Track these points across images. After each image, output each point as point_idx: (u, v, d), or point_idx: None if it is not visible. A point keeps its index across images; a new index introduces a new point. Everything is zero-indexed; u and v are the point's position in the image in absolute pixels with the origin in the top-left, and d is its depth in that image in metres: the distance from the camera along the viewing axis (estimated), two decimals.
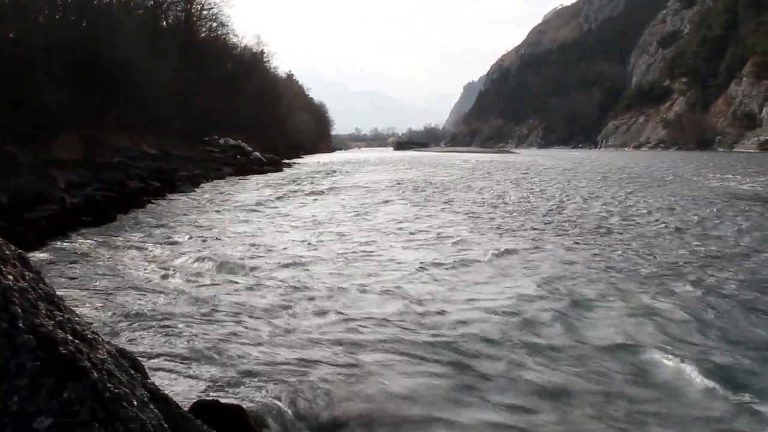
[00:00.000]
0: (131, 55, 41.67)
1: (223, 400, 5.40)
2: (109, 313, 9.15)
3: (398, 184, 40.08)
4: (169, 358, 7.29)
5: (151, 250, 15.00)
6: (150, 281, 11.59)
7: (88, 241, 16.23)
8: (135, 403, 2.76)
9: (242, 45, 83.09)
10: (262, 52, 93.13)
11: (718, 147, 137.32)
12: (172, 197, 28.50)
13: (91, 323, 4.80)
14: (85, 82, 32.52)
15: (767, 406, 6.28)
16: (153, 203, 25.37)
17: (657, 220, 21.05)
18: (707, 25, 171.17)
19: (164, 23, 60.20)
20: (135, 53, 42.61)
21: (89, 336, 2.95)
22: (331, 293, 10.69)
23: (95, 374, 2.69)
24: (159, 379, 6.03)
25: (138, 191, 25.42)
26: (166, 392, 3.58)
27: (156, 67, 46.48)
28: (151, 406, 2.88)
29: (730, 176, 45.73)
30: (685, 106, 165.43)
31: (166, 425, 2.88)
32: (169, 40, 56.32)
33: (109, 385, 2.72)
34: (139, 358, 5.20)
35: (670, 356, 7.73)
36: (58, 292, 3.22)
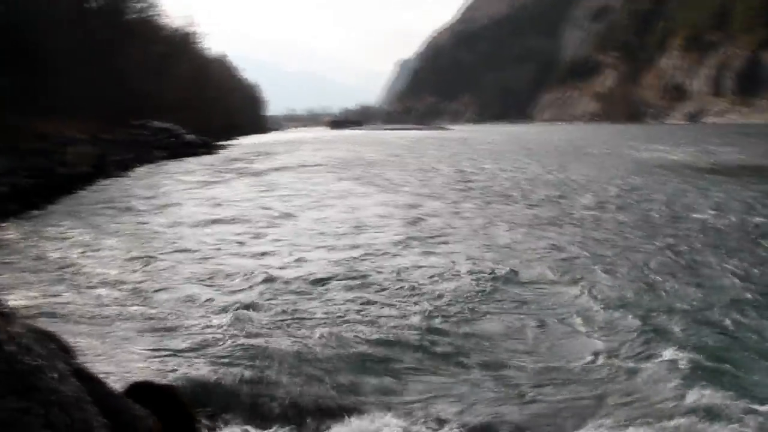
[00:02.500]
0: (57, 37, 40.76)
1: (156, 381, 5.44)
2: (38, 299, 9.08)
3: (336, 163, 39.98)
4: (100, 342, 7.30)
5: (79, 238, 14.85)
6: (78, 268, 11.50)
7: (15, 229, 16.01)
8: (55, 375, 2.78)
9: (173, 26, 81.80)
10: (193, 33, 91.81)
11: (648, 119, 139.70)
12: (102, 183, 28.06)
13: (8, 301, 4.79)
14: (8, 67, 31.78)
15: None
16: (83, 190, 24.96)
17: (587, 190, 21.45)
18: None
19: (92, 4, 58.79)
20: (61, 36, 41.68)
21: (5, 311, 2.96)
22: (258, 276, 10.74)
23: (11, 347, 2.71)
24: (92, 364, 6.04)
25: (67, 178, 24.94)
26: (94, 373, 3.60)
27: (83, 50, 45.55)
28: (73, 380, 2.90)
29: (660, 147, 46.57)
30: (616, 80, 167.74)
31: (90, 398, 2.91)
32: (97, 22, 55.16)
33: (26, 358, 2.74)
34: (70, 343, 5.21)
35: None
36: None
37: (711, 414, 5.53)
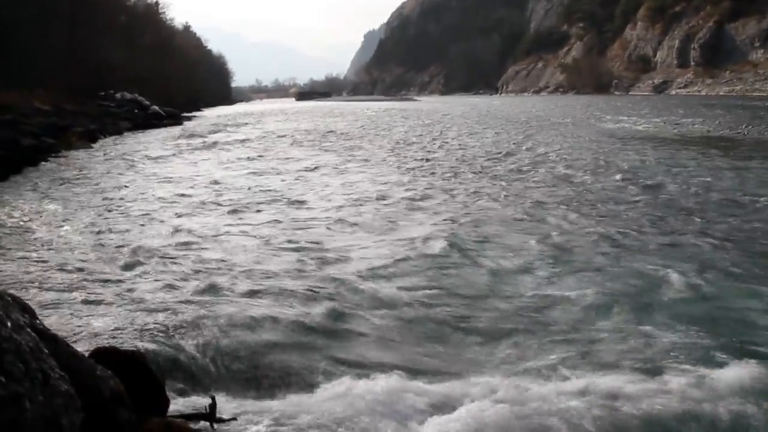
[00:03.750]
0: (19, 7, 40.21)
1: (123, 348, 5.41)
2: (5, 268, 8.99)
3: (303, 136, 39.88)
4: (63, 309, 7.26)
5: (48, 208, 14.71)
6: (41, 237, 11.41)
7: None
8: (9, 324, 2.76)
9: None
10: (156, 4, 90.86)
11: (614, 90, 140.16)
12: (68, 154, 27.75)
13: None
14: None
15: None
16: (48, 161, 24.67)
17: (552, 160, 21.62)
18: None
19: None
20: (22, 6, 41.11)
21: None
22: (226, 246, 10.82)
23: None
24: (55, 329, 6.00)
25: (32, 149, 24.60)
26: (56, 334, 3.57)
27: (46, 20, 44.97)
28: (28, 330, 2.87)
29: (626, 118, 46.84)
30: (582, 51, 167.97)
31: (46, 350, 2.88)
32: None
33: None
34: (39, 312, 5.17)
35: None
36: None
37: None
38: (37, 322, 3.23)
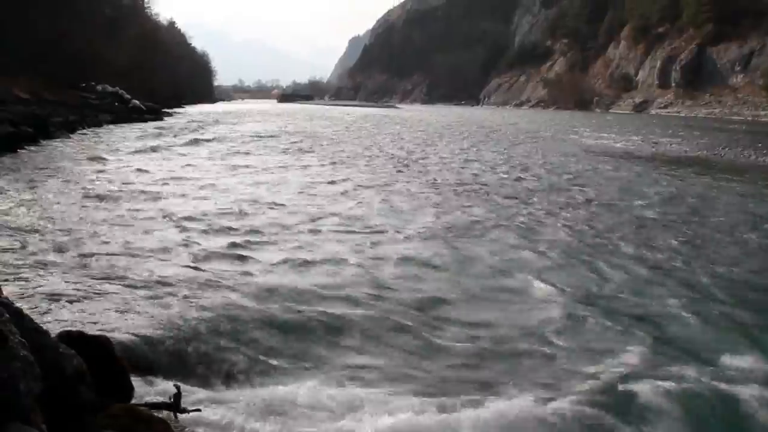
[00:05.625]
0: None
1: (89, 332, 5.41)
2: None
3: (285, 136, 39.95)
4: (36, 296, 7.23)
5: (23, 196, 14.63)
6: (20, 226, 11.35)
7: None
8: None
9: None
10: None
11: (595, 108, 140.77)
12: (46, 144, 27.62)
13: None
14: None
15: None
16: (25, 150, 24.55)
17: (530, 174, 21.77)
18: None
19: None
20: None
21: None
22: (190, 233, 10.93)
23: None
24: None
25: (8, 136, 24.44)
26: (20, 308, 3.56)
27: (27, 9, 44.76)
28: None
29: (605, 135, 47.18)
30: (565, 67, 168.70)
31: (7, 315, 2.86)
32: None
33: None
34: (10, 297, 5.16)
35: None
36: None
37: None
38: (3, 296, 3.22)
